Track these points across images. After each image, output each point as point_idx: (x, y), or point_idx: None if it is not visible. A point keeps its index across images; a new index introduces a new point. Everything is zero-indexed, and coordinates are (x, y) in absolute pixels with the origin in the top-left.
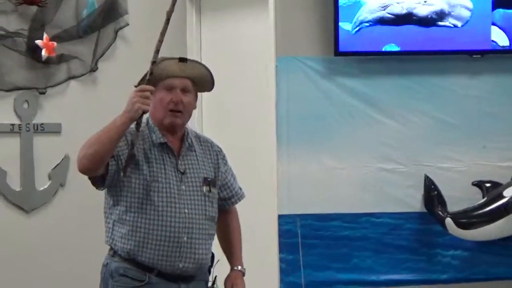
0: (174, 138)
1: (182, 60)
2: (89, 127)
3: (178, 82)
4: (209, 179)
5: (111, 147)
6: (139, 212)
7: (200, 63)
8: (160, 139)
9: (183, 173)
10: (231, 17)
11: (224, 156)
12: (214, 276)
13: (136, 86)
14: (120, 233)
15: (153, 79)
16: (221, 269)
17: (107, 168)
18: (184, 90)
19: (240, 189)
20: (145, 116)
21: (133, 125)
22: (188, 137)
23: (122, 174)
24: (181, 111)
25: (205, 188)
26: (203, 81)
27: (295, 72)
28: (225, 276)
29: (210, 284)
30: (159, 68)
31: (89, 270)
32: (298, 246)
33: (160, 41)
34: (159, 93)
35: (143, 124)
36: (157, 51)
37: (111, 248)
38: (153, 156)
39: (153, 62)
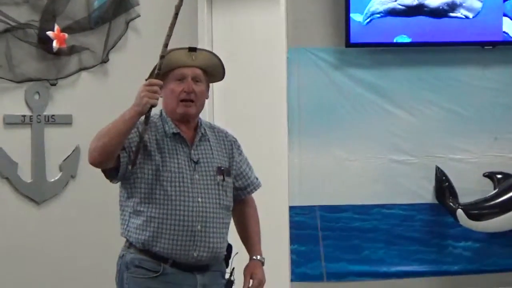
0: (188, 128)
1: (192, 49)
2: (100, 119)
3: (189, 72)
4: (222, 168)
5: (121, 140)
6: (153, 203)
7: (210, 52)
8: (173, 129)
9: (196, 163)
10: (242, 8)
11: (239, 146)
12: (231, 268)
13: (146, 80)
14: (135, 225)
15: (162, 71)
16: (239, 261)
17: (118, 160)
18: (195, 79)
19: (256, 178)
20: (159, 108)
21: (142, 118)
22: (202, 127)
23: (130, 167)
24: (193, 100)
25: (218, 177)
26: (214, 70)
27: (306, 63)
28: (244, 267)
29: (227, 276)
30: (169, 59)
31: (100, 261)
32: (315, 238)
33: (169, 36)
34: (170, 84)
35: (156, 116)
36: (165, 45)
37: (127, 240)
38: (165, 146)
39: (162, 56)
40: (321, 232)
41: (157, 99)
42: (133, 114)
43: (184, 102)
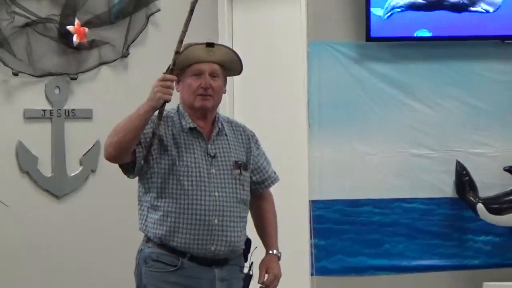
0: (205, 123)
1: (210, 45)
2: (120, 113)
3: (207, 67)
4: (240, 162)
5: (135, 136)
6: (170, 197)
7: (227, 47)
8: (190, 124)
9: (213, 157)
10: (262, 2)
11: (257, 140)
12: (250, 262)
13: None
14: (153, 219)
15: (180, 66)
16: (258, 255)
17: (134, 155)
18: (212, 75)
19: (274, 173)
20: (176, 102)
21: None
22: (219, 121)
23: (143, 162)
24: (210, 95)
25: (235, 171)
26: (231, 65)
27: (326, 57)
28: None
29: (246, 270)
30: (186, 54)
31: (121, 255)
32: (335, 232)
33: (184, 32)
34: (187, 79)
35: (173, 111)
36: (180, 41)
37: (145, 235)
38: (182, 141)
39: (177, 52)
40: (333, 226)
41: (171, 94)
42: (147, 109)
43: (202, 96)
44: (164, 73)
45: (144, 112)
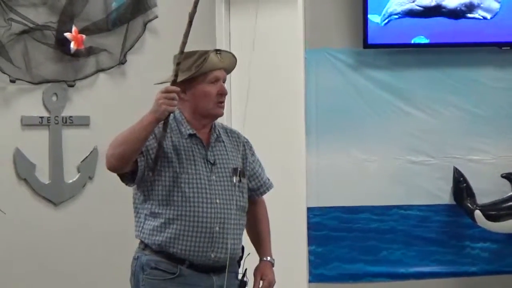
0: (204, 130)
1: (218, 51)
2: (118, 120)
3: (221, 74)
4: (238, 169)
5: (139, 147)
6: (171, 205)
7: (231, 53)
8: (189, 130)
9: (213, 164)
10: (260, 9)
11: (251, 146)
12: (244, 269)
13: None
14: (151, 226)
15: (198, 73)
16: (251, 262)
17: (135, 164)
18: (223, 81)
19: (268, 179)
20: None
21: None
22: (216, 128)
23: (151, 173)
24: (224, 101)
25: (235, 178)
26: (231, 69)
27: (324, 64)
28: (254, 268)
29: (240, 276)
30: (201, 62)
31: (118, 262)
32: (332, 239)
33: (184, 43)
34: (203, 87)
35: (170, 118)
36: (181, 52)
37: (142, 242)
38: (182, 148)
39: (178, 63)
40: (330, 233)
41: (175, 105)
42: (151, 120)
43: (220, 104)
44: (171, 83)
45: (148, 124)
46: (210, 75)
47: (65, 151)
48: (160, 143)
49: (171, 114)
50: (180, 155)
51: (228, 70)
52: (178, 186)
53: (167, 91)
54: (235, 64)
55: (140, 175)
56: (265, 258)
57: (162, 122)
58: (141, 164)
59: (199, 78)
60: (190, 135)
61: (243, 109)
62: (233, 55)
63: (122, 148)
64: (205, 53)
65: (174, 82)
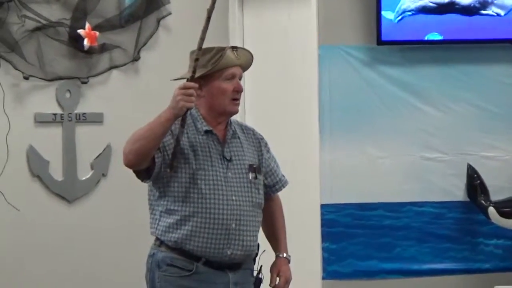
0: (220, 127)
1: (234, 48)
2: (131, 117)
3: (237, 71)
4: (254, 166)
5: (156, 143)
6: (187, 201)
7: (247, 50)
8: (205, 126)
9: (229, 160)
10: (273, 5)
11: (266, 143)
12: (259, 266)
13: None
14: (167, 223)
15: (213, 70)
16: (267, 259)
17: (153, 160)
18: (239, 78)
19: (283, 176)
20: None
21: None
22: (232, 125)
23: (169, 170)
24: (239, 99)
25: (251, 175)
26: (248, 66)
27: (337, 60)
28: (271, 264)
29: (255, 273)
30: (217, 58)
31: (132, 259)
32: (346, 236)
33: (202, 39)
34: (219, 83)
35: (187, 114)
36: (199, 48)
37: (157, 239)
38: (198, 144)
39: (196, 59)
40: (344, 230)
41: (193, 102)
42: (169, 117)
43: (235, 101)
44: (188, 79)
45: (165, 120)
46: (226, 72)
47: (78, 148)
48: (177, 140)
49: (188, 111)
50: (197, 151)
51: (245, 68)
52: (195, 182)
53: (185, 87)
54: (252, 61)
55: (156, 171)
56: (281, 255)
57: (180, 118)
58: (158, 160)
59: (215, 74)
60: (206, 132)
61: (256, 106)
62: (250, 53)
63: (139, 144)
64: (222, 49)
65: (191, 78)
